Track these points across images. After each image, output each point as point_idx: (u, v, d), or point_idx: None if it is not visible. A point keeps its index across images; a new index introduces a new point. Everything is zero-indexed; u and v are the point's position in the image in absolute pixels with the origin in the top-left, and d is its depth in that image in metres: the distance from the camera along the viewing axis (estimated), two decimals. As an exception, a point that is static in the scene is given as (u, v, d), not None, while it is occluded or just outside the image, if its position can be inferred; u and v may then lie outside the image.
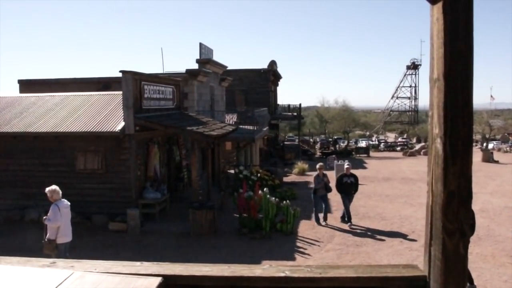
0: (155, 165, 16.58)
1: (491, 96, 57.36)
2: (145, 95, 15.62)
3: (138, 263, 2.39)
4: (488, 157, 38.26)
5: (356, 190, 15.58)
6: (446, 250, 2.08)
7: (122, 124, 14.65)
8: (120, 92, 15.16)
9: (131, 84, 14.62)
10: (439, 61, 2.04)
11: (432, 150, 2.15)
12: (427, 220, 2.22)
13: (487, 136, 58.57)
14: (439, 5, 2.01)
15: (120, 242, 13.14)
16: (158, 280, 2.18)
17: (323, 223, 15.10)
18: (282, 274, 2.26)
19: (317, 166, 15.89)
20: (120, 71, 14.66)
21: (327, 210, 15.63)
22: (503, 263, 11.13)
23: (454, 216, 2.06)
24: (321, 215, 15.26)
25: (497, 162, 37.72)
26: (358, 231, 14.29)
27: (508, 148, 56.70)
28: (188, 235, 13.62)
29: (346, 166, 15.90)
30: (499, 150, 54.82)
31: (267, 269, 2.33)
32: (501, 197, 20.24)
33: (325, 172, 15.86)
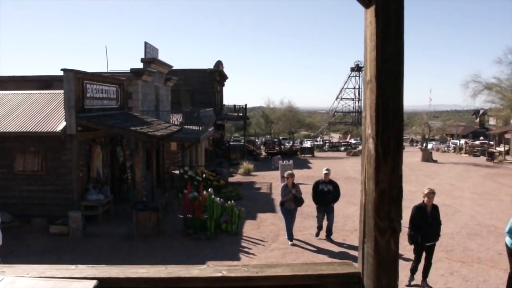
0: (98, 166, 16.27)
1: (430, 98, 59.22)
2: (88, 95, 15.29)
3: (73, 267, 2.35)
4: (427, 157, 39.53)
5: (336, 199, 13.34)
6: (378, 247, 2.15)
7: (64, 124, 14.29)
8: (62, 91, 14.79)
9: (73, 83, 14.28)
10: (372, 64, 2.10)
11: (365, 149, 2.21)
12: (360, 218, 2.29)
13: (426, 136, 60.40)
14: (372, 8, 2.07)
15: (61, 246, 12.81)
16: (93, 283, 2.15)
17: (292, 242, 12.95)
18: (219, 274, 2.28)
19: (285, 175, 13.48)
20: (62, 70, 14.29)
21: (291, 226, 13.20)
22: (440, 258, 11.52)
23: (385, 214, 2.13)
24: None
25: (435, 161, 39.02)
26: (302, 230, 14.45)
27: (446, 148, 58.83)
28: (132, 237, 13.44)
29: (324, 171, 13.39)
30: (437, 150, 56.91)
31: (204, 269, 2.34)
32: (439, 195, 20.69)
33: (299, 183, 13.67)
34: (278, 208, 17.62)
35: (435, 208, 9.44)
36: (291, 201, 12.87)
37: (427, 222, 9.25)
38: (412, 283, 9.60)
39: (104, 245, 12.83)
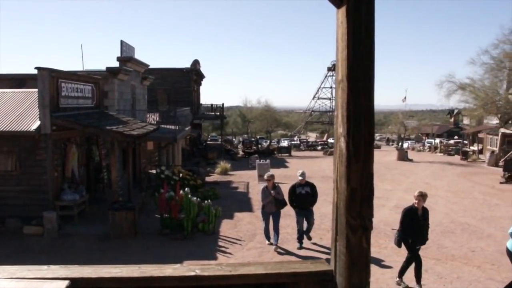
0: (73, 166, 16.09)
1: (404, 98, 59.92)
2: (63, 93, 15.12)
3: (44, 267, 2.32)
4: (403, 156, 39.94)
5: (313, 202, 12.70)
6: (350, 245, 2.17)
7: (38, 123, 14.10)
8: (36, 90, 14.59)
9: (48, 81, 14.11)
10: (343, 63, 2.12)
11: (337, 149, 2.23)
12: (333, 216, 2.31)
13: (402, 135, 61.05)
14: (343, 9, 2.09)
15: (36, 247, 12.65)
16: (65, 283, 2.13)
17: (274, 247, 12.45)
18: (192, 273, 2.27)
19: (265, 177, 12.85)
20: (36, 68, 14.11)
21: (277, 230, 12.63)
22: (415, 257, 11.68)
23: (357, 212, 2.16)
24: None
25: (411, 160, 39.45)
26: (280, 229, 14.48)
27: (421, 147, 59.54)
28: (108, 237, 13.33)
29: (299, 175, 12.64)
30: (413, 149, 57.52)
31: (178, 268, 2.34)
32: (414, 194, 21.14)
33: (277, 183, 12.93)
34: (255, 207, 17.71)
35: (425, 210, 9.39)
36: (272, 204, 12.35)
37: (418, 225, 9.16)
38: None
39: (79, 246, 12.70)
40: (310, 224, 12.78)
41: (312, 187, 12.60)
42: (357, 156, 2.12)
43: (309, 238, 12.90)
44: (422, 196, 9.27)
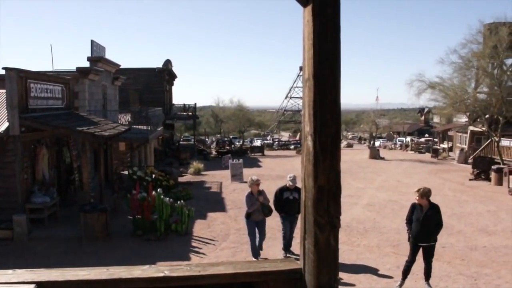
0: (44, 168, 15.84)
1: (377, 97, 60.61)
2: (32, 94, 14.87)
3: (10, 271, 2.28)
4: (375, 154, 40.35)
5: (300, 210, 12.17)
6: (318, 243, 2.18)
7: (6, 124, 13.83)
8: (3, 91, 14.33)
9: (16, 82, 13.85)
10: (309, 62, 2.13)
11: (304, 147, 2.24)
12: (301, 214, 2.32)
13: (374, 134, 61.72)
14: (309, 7, 2.10)
15: (5, 251, 12.41)
16: (31, 287, 2.10)
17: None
18: (161, 274, 2.25)
19: (248, 182, 11.55)
20: (3, 68, 13.85)
21: (262, 240, 11.61)
22: (387, 253, 11.85)
23: (324, 210, 2.17)
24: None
25: (383, 158, 39.88)
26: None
27: (393, 146, 60.29)
28: (80, 240, 13.16)
29: (290, 179, 11.41)
30: (385, 147, 58.22)
31: (146, 269, 2.32)
32: (386, 192, 21.46)
33: (260, 188, 11.39)
34: (228, 207, 17.70)
35: (432, 208, 9.07)
36: (259, 211, 11.17)
37: (418, 221, 8.96)
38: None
39: (51, 249, 12.52)
40: (292, 233, 11.74)
41: (299, 192, 11.53)
42: (324, 154, 2.14)
43: (286, 248, 11.81)
44: (420, 192, 9.01)
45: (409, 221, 9.16)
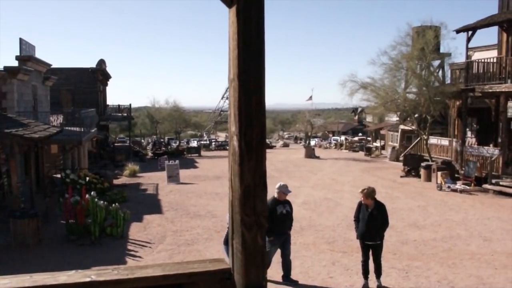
0: (-31, 172, 15.16)
1: (310, 97, 61.60)
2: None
3: None
4: (310, 153, 40.96)
5: (292, 225, 9.91)
6: (245, 242, 2.21)
7: None
8: None
9: None
10: (234, 62, 2.15)
11: (230, 147, 2.26)
12: (229, 214, 2.34)
13: (309, 134, 62.67)
14: (234, 8, 2.12)
15: None
16: None
17: None
18: (88, 279, 2.20)
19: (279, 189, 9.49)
20: None
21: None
22: (323, 250, 12.07)
23: (251, 210, 2.20)
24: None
25: (318, 157, 40.57)
26: (189, 230, 14.41)
27: (328, 145, 61.50)
28: (9, 247, 12.66)
29: (282, 189, 9.51)
30: (320, 146, 59.32)
31: (72, 275, 2.24)
32: (321, 190, 21.86)
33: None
34: (165, 209, 17.52)
35: (378, 207, 9.15)
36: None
37: (364, 220, 9.02)
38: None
39: (-23, 257, 11.98)
40: (289, 254, 9.64)
41: (290, 205, 9.75)
42: (250, 154, 2.16)
43: (289, 274, 9.60)
44: (364, 193, 9.10)
45: (357, 218, 9.27)
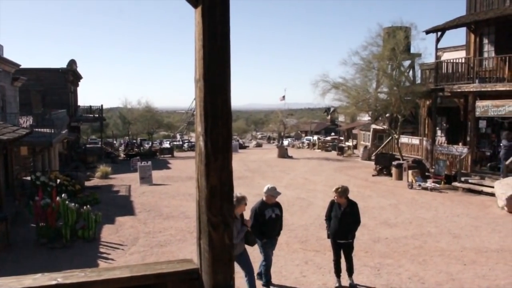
0: None
1: (283, 97, 61.85)
2: None
3: None
4: (283, 153, 41.14)
5: (281, 229, 9.39)
6: (213, 242, 2.22)
7: None
8: None
9: None
10: (200, 63, 2.16)
11: (197, 147, 2.27)
12: (196, 215, 2.35)
13: (282, 133, 62.90)
14: (199, 9, 2.13)
15: None
16: None
17: None
18: (54, 282, 2.16)
19: (235, 199, 7.89)
20: None
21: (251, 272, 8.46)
22: (296, 249, 12.13)
23: (217, 210, 2.21)
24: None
25: (291, 157, 40.77)
26: (162, 231, 14.33)
27: (300, 144, 61.81)
28: (-23, 251, 12.43)
29: (270, 192, 9.10)
30: (293, 146, 59.64)
31: (38, 278, 2.21)
32: (294, 189, 21.96)
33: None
34: (137, 210, 17.40)
35: (351, 206, 9.20)
36: (243, 241, 8.20)
37: (337, 219, 9.02)
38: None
39: None
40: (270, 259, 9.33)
41: (280, 208, 9.36)
42: (216, 154, 2.18)
43: (269, 279, 9.27)
44: (338, 191, 9.10)
45: (328, 217, 9.30)
